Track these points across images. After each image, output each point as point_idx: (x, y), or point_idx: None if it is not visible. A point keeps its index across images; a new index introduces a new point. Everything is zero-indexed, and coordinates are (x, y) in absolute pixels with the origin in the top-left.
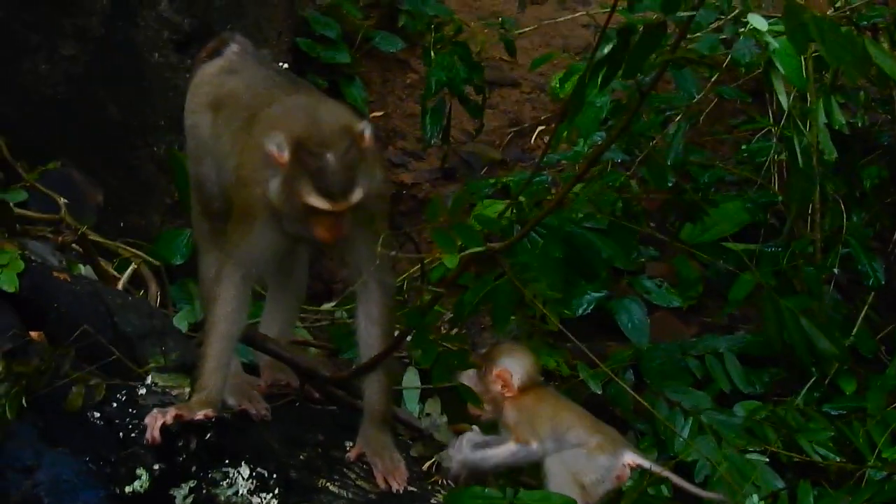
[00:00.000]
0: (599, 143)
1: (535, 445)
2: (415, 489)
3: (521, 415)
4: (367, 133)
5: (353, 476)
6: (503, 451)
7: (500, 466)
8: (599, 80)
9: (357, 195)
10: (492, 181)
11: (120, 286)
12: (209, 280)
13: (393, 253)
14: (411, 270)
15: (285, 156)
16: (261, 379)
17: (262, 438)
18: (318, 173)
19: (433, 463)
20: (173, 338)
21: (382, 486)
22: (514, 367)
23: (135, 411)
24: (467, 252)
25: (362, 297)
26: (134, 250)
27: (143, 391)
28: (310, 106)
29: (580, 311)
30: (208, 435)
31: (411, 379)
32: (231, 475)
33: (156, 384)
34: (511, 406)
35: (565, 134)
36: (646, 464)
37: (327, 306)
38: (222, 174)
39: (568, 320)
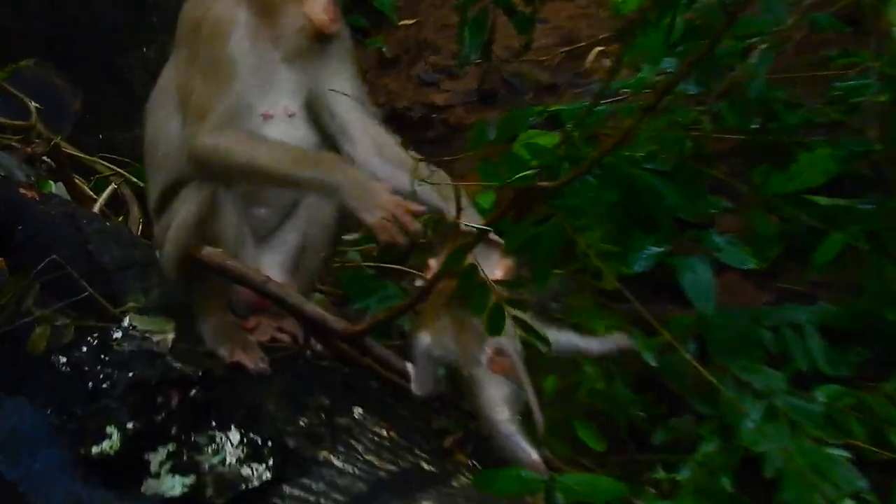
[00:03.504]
0: (668, 70)
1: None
2: (434, 468)
3: None
4: None
5: (360, 448)
6: None
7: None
8: None
9: None
10: (538, 109)
11: (96, 209)
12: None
13: (421, 183)
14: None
15: None
16: (258, 326)
17: (256, 398)
18: None
19: (457, 438)
20: (157, 272)
21: None
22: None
23: (108, 358)
24: (513, 187)
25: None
26: (115, 167)
27: (118, 335)
28: None
29: (638, 268)
30: (193, 390)
31: None
32: (218, 440)
33: (134, 327)
34: None
35: (626, 58)
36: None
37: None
38: None
39: (619, 278)
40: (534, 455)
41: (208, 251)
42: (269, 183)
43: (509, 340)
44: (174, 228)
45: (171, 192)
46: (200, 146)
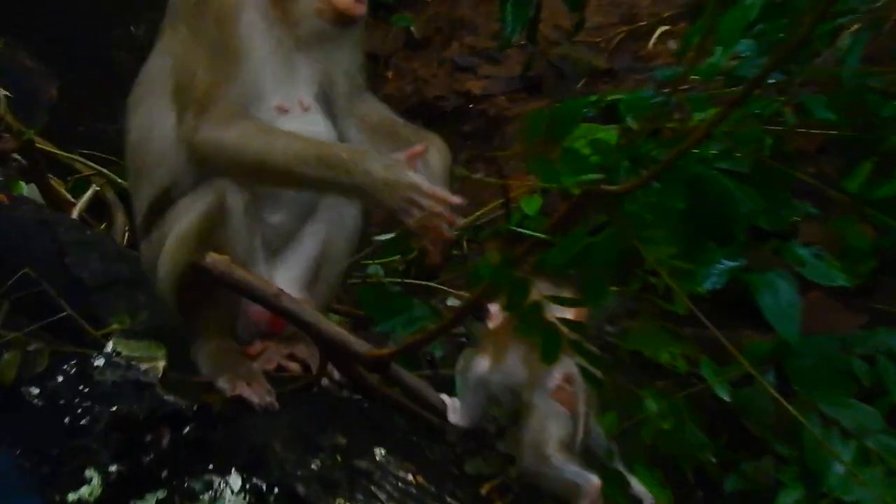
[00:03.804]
0: (745, 54)
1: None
2: None
3: None
4: None
5: (382, 496)
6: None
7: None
8: None
9: None
10: (592, 98)
11: (75, 214)
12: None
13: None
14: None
15: None
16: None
17: (261, 436)
18: None
19: (495, 484)
20: (145, 289)
21: None
22: None
23: (87, 389)
24: (576, 190)
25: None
26: (96, 166)
27: (100, 362)
28: None
29: (709, 286)
30: (187, 427)
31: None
32: (216, 485)
33: (118, 353)
34: None
35: (696, 39)
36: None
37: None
38: None
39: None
40: (593, 479)
41: (213, 258)
42: (286, 184)
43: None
44: (171, 243)
45: (164, 202)
46: (204, 142)
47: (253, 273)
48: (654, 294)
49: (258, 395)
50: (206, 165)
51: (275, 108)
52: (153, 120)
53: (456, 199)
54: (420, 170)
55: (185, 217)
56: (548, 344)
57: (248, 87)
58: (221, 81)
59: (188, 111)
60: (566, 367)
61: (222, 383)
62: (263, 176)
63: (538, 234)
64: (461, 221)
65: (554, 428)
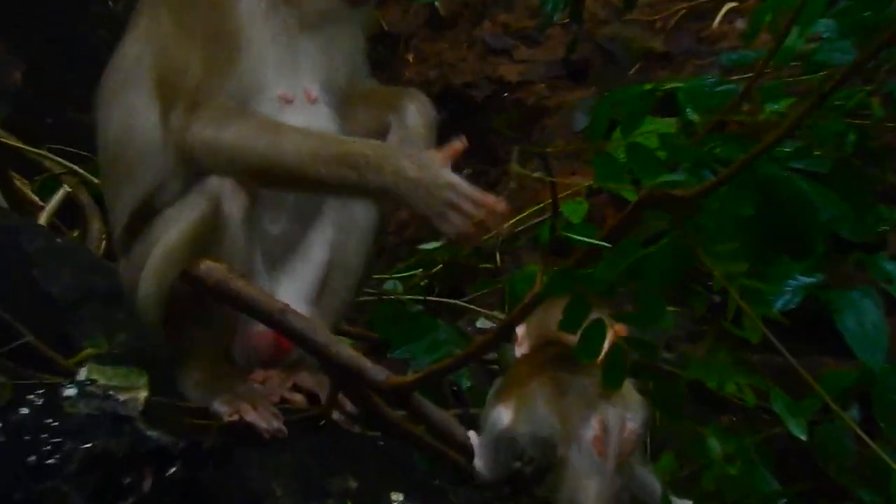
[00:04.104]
0: (824, 35)
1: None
2: None
3: None
4: None
5: None
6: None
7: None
8: None
9: None
10: (648, 86)
11: (44, 220)
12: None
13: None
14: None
15: None
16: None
17: (260, 478)
18: None
19: None
20: (124, 307)
21: None
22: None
23: (57, 424)
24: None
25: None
26: (68, 163)
27: (71, 392)
28: None
29: (781, 305)
30: (173, 468)
31: None
32: None
33: (93, 382)
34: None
35: (768, 17)
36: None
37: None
38: None
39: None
40: None
41: (208, 266)
42: (299, 188)
43: (631, 412)
44: (157, 258)
45: (147, 210)
46: (198, 143)
47: (254, 285)
48: (720, 315)
49: (265, 419)
50: (201, 169)
51: (277, 99)
52: (132, 115)
53: (501, 204)
54: (396, 131)
55: (174, 227)
56: (611, 369)
57: (248, 77)
58: (216, 73)
59: (176, 108)
60: (601, 411)
61: (218, 406)
62: (271, 179)
63: (595, 241)
64: (505, 228)
65: (593, 487)
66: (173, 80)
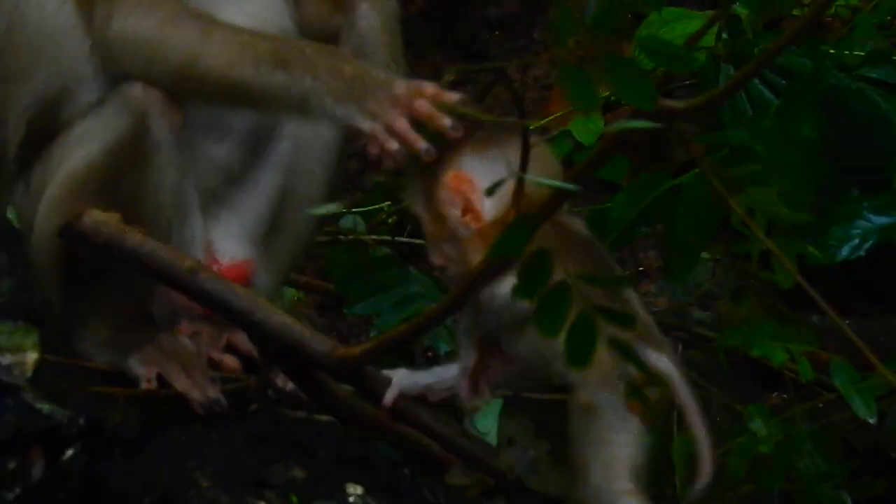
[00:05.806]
0: None
1: None
2: None
3: None
4: None
5: None
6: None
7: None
8: None
9: None
10: None
11: None
12: None
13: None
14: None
15: None
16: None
17: (180, 467)
18: None
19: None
20: (9, 249)
21: None
22: (481, 170)
23: None
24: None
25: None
26: None
27: None
28: None
29: (847, 252)
30: (70, 451)
31: None
32: None
33: None
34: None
35: None
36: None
37: (329, 207)
38: None
39: (813, 269)
40: None
41: (95, 218)
42: (222, 93)
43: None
44: (59, 185)
45: (51, 122)
46: (118, 32)
47: (160, 232)
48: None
49: (198, 385)
50: (119, 68)
51: None
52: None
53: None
54: (346, 37)
55: (85, 147)
56: (580, 342)
57: None
58: None
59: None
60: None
61: (134, 364)
62: (193, 86)
63: (562, 185)
64: (447, 123)
65: (624, 453)
66: None
